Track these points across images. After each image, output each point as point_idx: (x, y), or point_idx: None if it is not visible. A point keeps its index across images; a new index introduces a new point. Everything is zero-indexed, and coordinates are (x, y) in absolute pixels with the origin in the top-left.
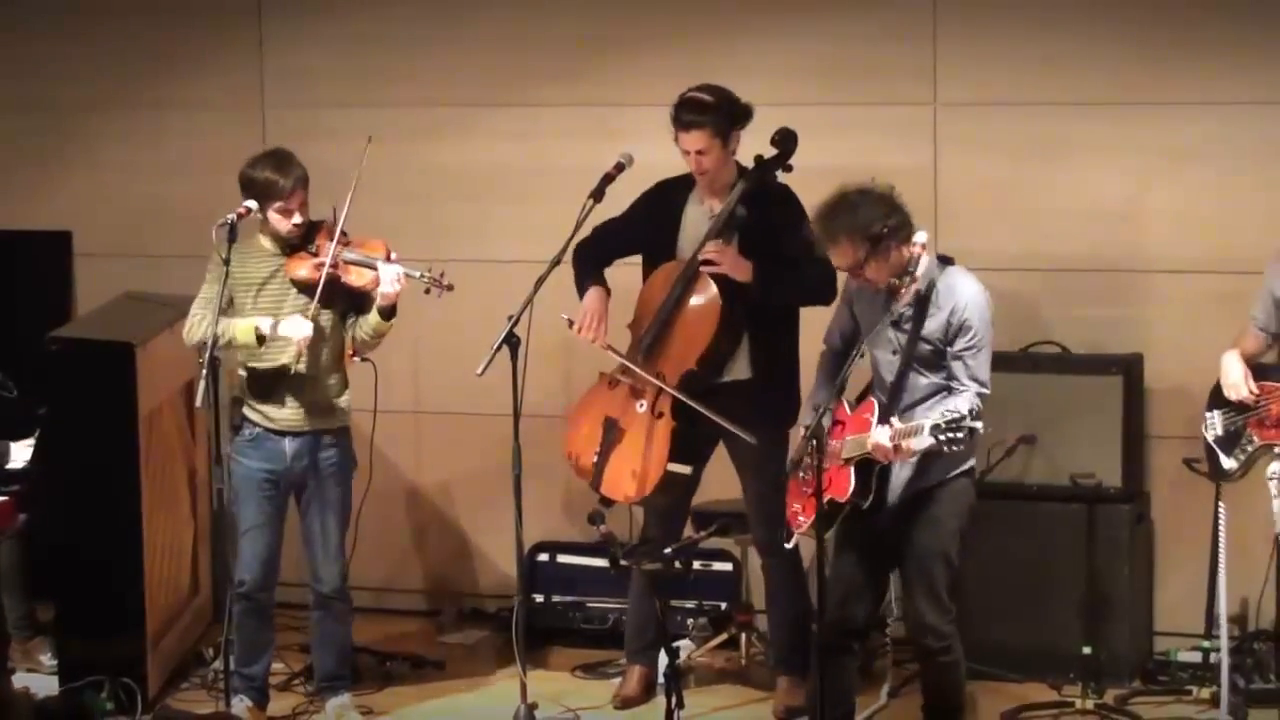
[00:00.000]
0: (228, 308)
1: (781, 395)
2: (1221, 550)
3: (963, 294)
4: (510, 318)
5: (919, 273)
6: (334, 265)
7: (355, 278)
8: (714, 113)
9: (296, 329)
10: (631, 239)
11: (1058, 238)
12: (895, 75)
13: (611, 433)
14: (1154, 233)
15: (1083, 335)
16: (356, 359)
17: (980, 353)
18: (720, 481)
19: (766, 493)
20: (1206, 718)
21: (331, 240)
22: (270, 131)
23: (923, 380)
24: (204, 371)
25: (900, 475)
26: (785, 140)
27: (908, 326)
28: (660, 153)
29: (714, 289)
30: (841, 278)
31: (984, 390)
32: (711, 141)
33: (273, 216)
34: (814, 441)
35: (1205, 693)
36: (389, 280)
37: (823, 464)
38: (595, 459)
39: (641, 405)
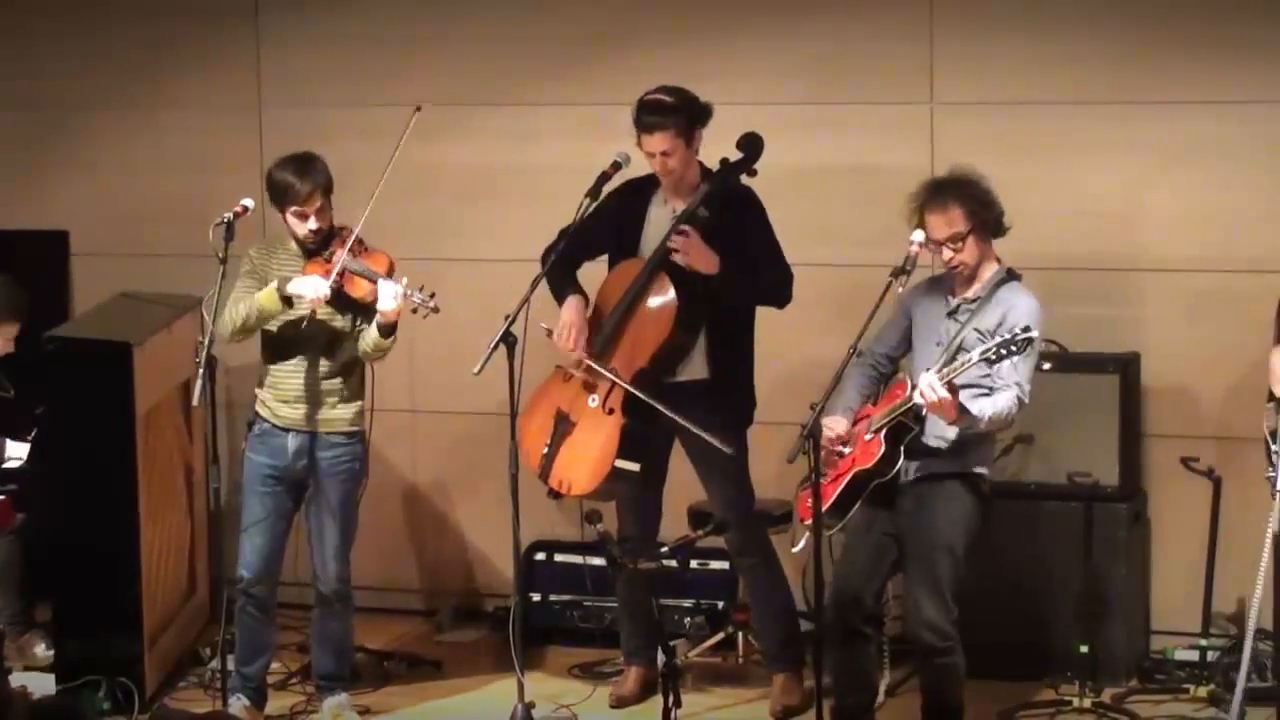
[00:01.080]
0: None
1: (740, 396)
2: (1268, 549)
3: (1022, 301)
4: (506, 317)
5: (988, 275)
6: (340, 275)
7: (355, 289)
8: (675, 114)
9: (309, 286)
10: (597, 240)
11: (1055, 237)
12: (892, 74)
13: (562, 425)
14: (1151, 232)
15: (1080, 334)
16: None
17: (1028, 360)
18: None
19: (731, 492)
20: (1203, 716)
21: (344, 248)
22: (267, 131)
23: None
24: (201, 370)
25: (926, 444)
26: (751, 145)
27: (962, 318)
28: None
29: (671, 289)
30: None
31: (1025, 393)
32: (675, 142)
33: (290, 220)
34: (810, 440)
35: (1202, 691)
36: (388, 297)
37: (823, 468)
38: (545, 450)
39: (594, 400)
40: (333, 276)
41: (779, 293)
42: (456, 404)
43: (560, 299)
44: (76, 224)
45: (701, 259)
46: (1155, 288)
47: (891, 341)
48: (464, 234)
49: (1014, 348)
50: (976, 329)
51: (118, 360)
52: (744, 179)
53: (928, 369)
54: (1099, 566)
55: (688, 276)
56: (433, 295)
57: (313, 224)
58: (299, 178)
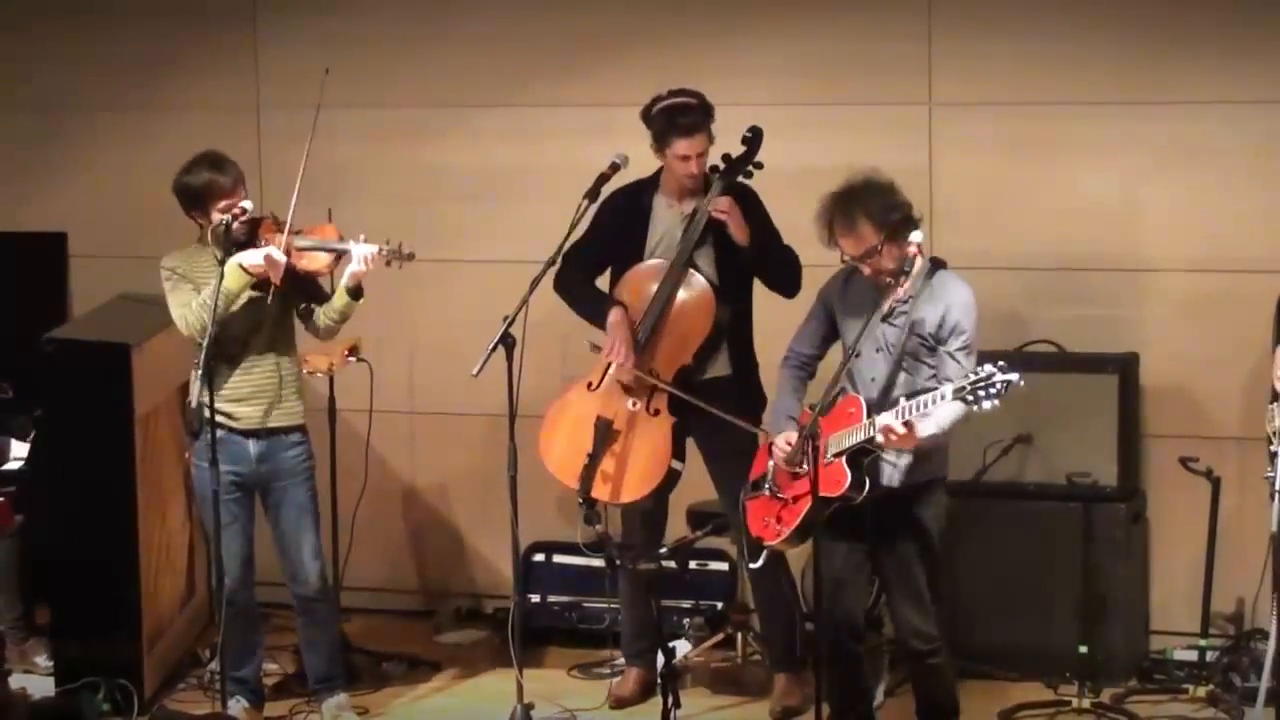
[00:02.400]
0: None
1: (755, 391)
2: None
3: (956, 295)
4: (505, 318)
5: (914, 270)
6: (287, 252)
7: (310, 263)
8: (704, 114)
9: (264, 255)
10: (605, 254)
11: (1053, 237)
12: (890, 74)
13: (605, 434)
14: (1150, 232)
15: (1079, 334)
16: (352, 360)
17: (972, 354)
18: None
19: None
20: (1203, 716)
21: (281, 232)
22: (266, 133)
23: (909, 378)
24: (199, 372)
25: (886, 471)
26: (755, 138)
27: (899, 321)
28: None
29: (704, 282)
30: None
31: None
32: (707, 143)
33: (216, 217)
34: (811, 441)
35: (1201, 691)
36: (359, 258)
37: (774, 485)
38: (586, 462)
39: (634, 404)
40: (280, 273)
41: (796, 273)
42: (455, 405)
43: (597, 314)
44: (75, 226)
45: (739, 227)
46: (1154, 288)
47: (815, 341)
48: (463, 235)
49: (992, 389)
50: (917, 334)
51: (116, 362)
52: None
53: (872, 379)
54: (1098, 567)
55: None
56: (400, 244)
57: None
58: (220, 172)
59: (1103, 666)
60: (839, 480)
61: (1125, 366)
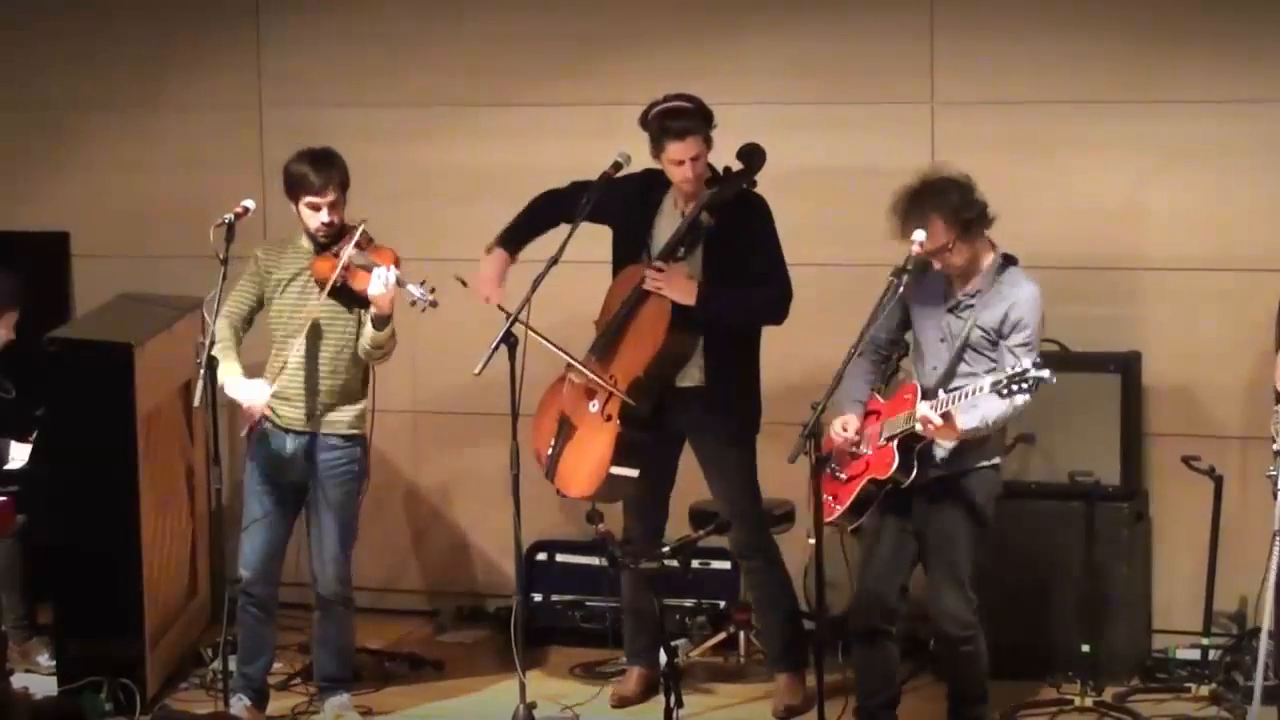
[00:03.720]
0: (256, 308)
1: (741, 400)
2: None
3: (1023, 291)
4: (508, 317)
5: (985, 264)
6: (345, 267)
7: (358, 281)
8: (699, 118)
9: (241, 390)
10: (608, 209)
11: (1056, 236)
12: (892, 74)
13: (564, 429)
14: (1153, 231)
15: (1081, 334)
16: None
17: (1032, 350)
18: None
19: (734, 495)
20: (1205, 715)
21: (350, 242)
22: (268, 131)
23: (969, 370)
24: (202, 371)
25: (937, 456)
26: (751, 156)
27: (964, 314)
28: None
29: (666, 301)
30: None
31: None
32: (702, 146)
33: (303, 211)
34: (810, 440)
35: (1204, 690)
36: (378, 283)
37: (823, 458)
38: (550, 453)
39: (594, 405)
40: (329, 283)
41: (773, 311)
42: (458, 404)
43: (495, 244)
44: (77, 225)
45: (679, 291)
46: (1157, 287)
47: (890, 326)
48: (465, 234)
49: (1024, 384)
50: (980, 326)
51: (119, 361)
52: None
53: (934, 368)
54: (1101, 566)
55: (709, 275)
56: (433, 290)
57: (325, 216)
58: (314, 169)
59: (1105, 665)
60: (887, 463)
61: (1128, 365)
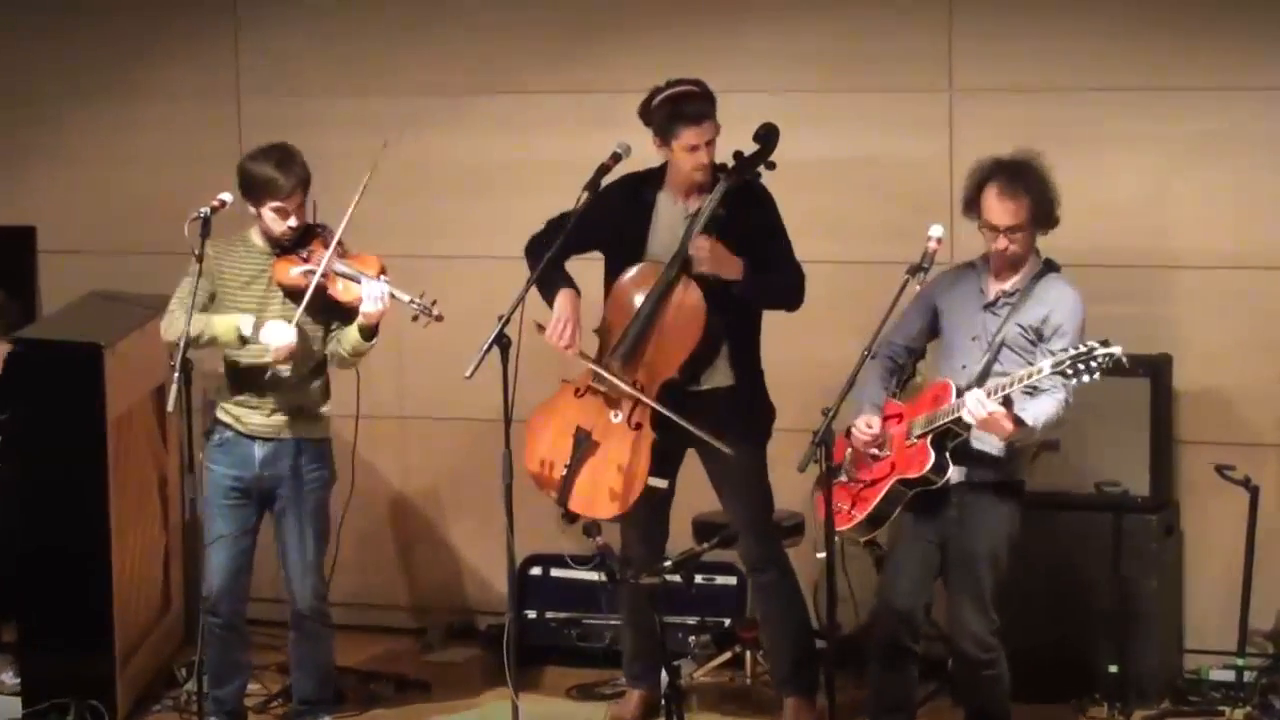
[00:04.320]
0: (209, 303)
1: (762, 403)
2: None
3: (1065, 296)
4: (500, 317)
5: (1027, 266)
6: (324, 275)
7: (343, 291)
8: (711, 101)
9: (278, 335)
10: (595, 234)
11: (1079, 231)
12: (908, 60)
13: (583, 445)
14: (1182, 226)
15: (1107, 334)
16: None
17: None
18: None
19: (753, 503)
20: None
21: (327, 248)
22: (246, 121)
23: (1002, 370)
24: (176, 375)
25: (972, 449)
26: (767, 136)
27: (1001, 311)
28: None
29: (698, 292)
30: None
31: (1070, 392)
32: (715, 130)
33: (267, 215)
34: (822, 448)
35: (1238, 713)
36: (372, 298)
37: (834, 467)
38: (564, 472)
39: (616, 416)
40: (308, 294)
41: (798, 295)
42: (447, 410)
43: (551, 294)
44: (44, 219)
45: (726, 265)
46: (1187, 285)
47: (911, 332)
48: (455, 230)
49: (1094, 363)
50: (1019, 324)
51: (88, 363)
52: (761, 174)
53: (964, 366)
54: (1129, 581)
55: (705, 285)
56: (434, 302)
57: (293, 221)
58: (282, 172)
59: (1134, 686)
60: (921, 460)
61: (1157, 369)
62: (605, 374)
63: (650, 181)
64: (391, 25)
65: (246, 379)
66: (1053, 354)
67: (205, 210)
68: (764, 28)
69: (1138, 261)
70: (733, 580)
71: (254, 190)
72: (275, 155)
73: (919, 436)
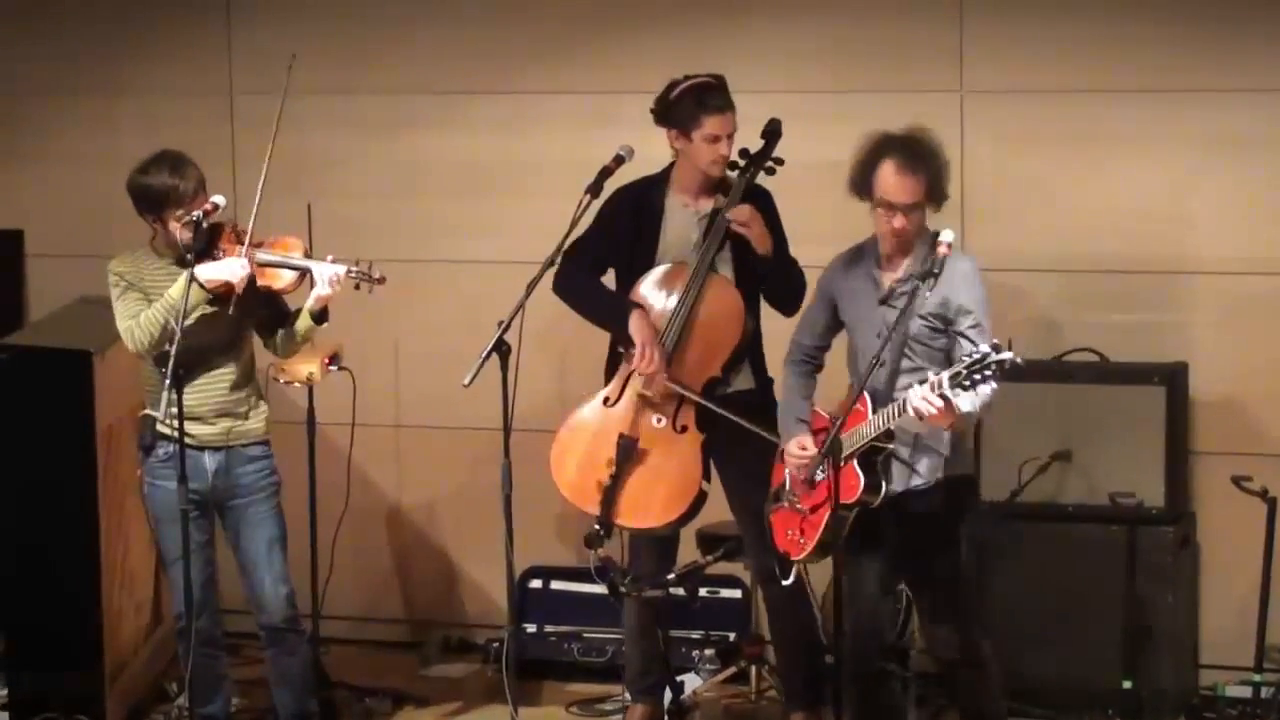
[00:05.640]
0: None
1: (773, 405)
2: None
3: (957, 274)
4: (500, 323)
5: (914, 247)
6: (252, 269)
7: (273, 280)
8: (728, 93)
9: (229, 269)
10: (610, 254)
11: (1094, 236)
12: (918, 59)
13: (628, 453)
14: (1199, 230)
15: (1122, 342)
16: (333, 368)
17: (985, 330)
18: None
19: (765, 514)
20: None
21: (241, 243)
22: (239, 119)
23: (913, 365)
24: (167, 382)
25: (900, 459)
26: (774, 131)
27: (899, 303)
28: (662, 144)
29: (733, 287)
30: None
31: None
32: (735, 124)
33: (174, 226)
34: (828, 459)
35: None
36: (325, 281)
37: (792, 496)
38: (607, 484)
39: (659, 420)
40: (238, 290)
41: (800, 291)
42: (445, 418)
43: (618, 319)
44: (32, 222)
45: (761, 236)
46: (1203, 291)
47: (818, 329)
48: (453, 233)
49: (987, 372)
50: (920, 315)
51: (77, 370)
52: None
53: (882, 364)
54: (1143, 595)
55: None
56: (370, 264)
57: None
58: (180, 178)
59: (1148, 703)
60: (852, 485)
61: (1173, 377)
62: (677, 388)
63: (656, 185)
64: (385, 22)
65: (186, 370)
66: (965, 336)
67: (198, 214)
68: (771, 25)
69: (1152, 267)
70: (737, 594)
71: (155, 203)
72: (168, 163)
73: (845, 459)
